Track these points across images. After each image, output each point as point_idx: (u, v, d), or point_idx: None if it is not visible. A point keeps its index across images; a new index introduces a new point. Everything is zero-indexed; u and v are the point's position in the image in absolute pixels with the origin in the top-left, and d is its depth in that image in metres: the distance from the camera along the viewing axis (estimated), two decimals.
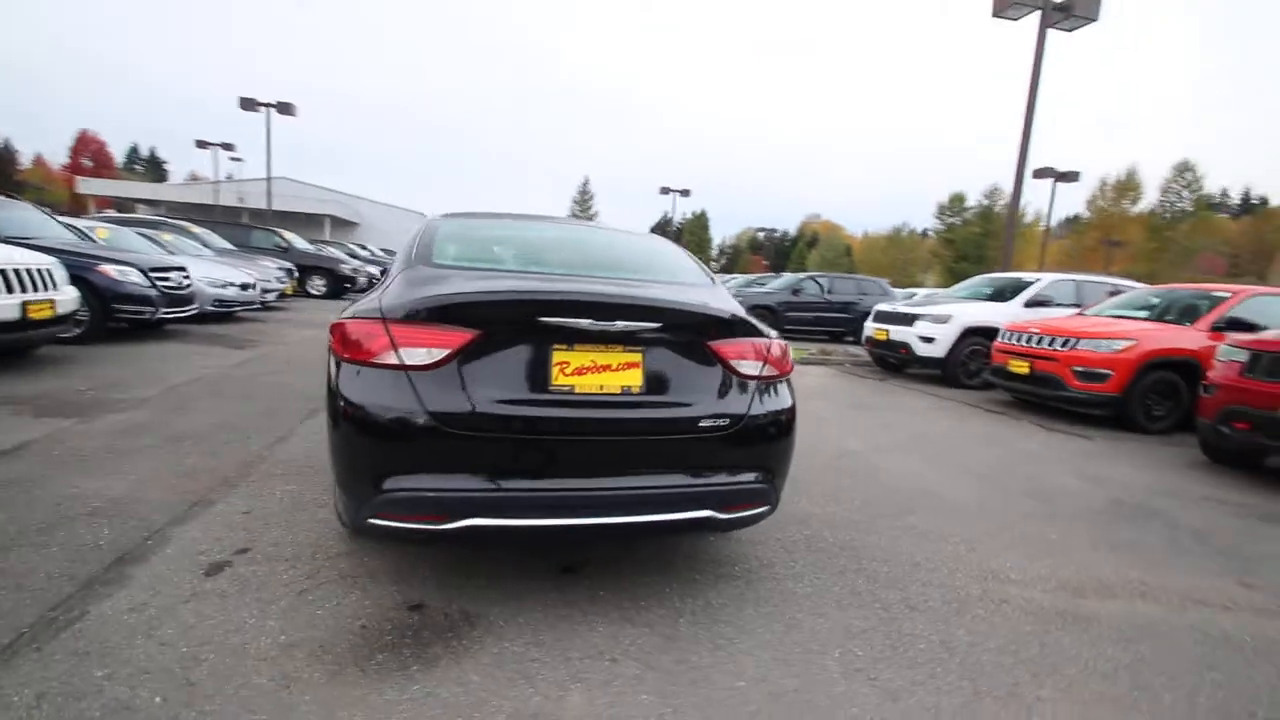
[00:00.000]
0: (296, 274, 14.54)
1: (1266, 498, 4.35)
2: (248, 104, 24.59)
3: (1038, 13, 11.41)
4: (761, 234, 61.98)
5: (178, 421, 4.26)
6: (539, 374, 2.03)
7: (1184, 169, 48.05)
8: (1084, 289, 9.32)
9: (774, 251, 60.64)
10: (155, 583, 2.23)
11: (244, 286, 9.64)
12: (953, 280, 47.87)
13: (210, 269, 9.27)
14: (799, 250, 63.77)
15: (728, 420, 2.18)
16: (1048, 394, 6.84)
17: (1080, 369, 6.48)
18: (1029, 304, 8.92)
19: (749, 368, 2.27)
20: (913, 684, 1.98)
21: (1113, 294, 8.84)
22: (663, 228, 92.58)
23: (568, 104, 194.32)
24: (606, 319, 2.05)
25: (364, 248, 25.40)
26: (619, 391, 2.08)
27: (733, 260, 77.44)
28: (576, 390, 2.04)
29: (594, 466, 2.07)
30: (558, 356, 2.04)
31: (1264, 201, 65.49)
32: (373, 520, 1.98)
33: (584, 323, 2.02)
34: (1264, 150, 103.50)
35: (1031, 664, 2.15)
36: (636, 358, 2.12)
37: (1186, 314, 6.93)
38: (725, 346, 2.24)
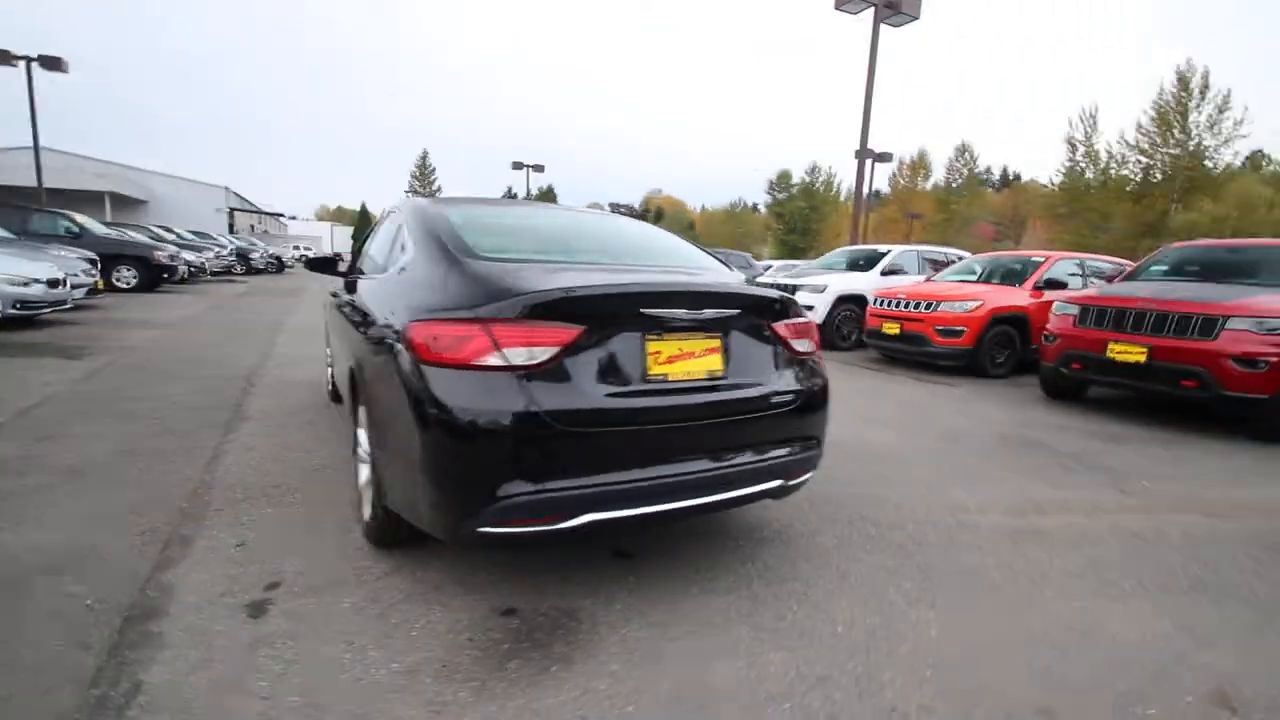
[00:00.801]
0: (99, 265, 12.21)
1: (1103, 423, 5.49)
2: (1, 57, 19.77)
3: (873, 8, 12.76)
4: (620, 208, 62.61)
5: (60, 453, 3.55)
6: (637, 365, 2.05)
7: (963, 150, 56.25)
8: (924, 258, 10.78)
9: None
10: (198, 636, 1.94)
11: (52, 283, 7.96)
12: (786, 251, 52.18)
13: (4, 263, 7.53)
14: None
15: (791, 395, 2.37)
16: (915, 351, 7.92)
17: (941, 327, 7.58)
18: (884, 273, 10.13)
19: (802, 345, 2.46)
20: (958, 603, 2.35)
21: (946, 263, 10.35)
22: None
23: (402, 74, 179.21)
24: (697, 308, 2.13)
25: (168, 230, 21.80)
26: (704, 376, 2.18)
27: None
28: (669, 378, 2.10)
29: (689, 450, 2.15)
30: (651, 347, 2.08)
31: (1018, 177, 78.93)
32: (484, 529, 1.90)
33: (680, 312, 2.08)
34: (1018, 133, 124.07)
35: (1028, 572, 2.63)
36: (716, 343, 2.22)
37: (1011, 276, 8.35)
38: (783, 327, 2.41)
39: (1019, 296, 7.77)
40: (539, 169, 33.93)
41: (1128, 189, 37.15)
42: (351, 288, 3.25)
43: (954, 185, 56.55)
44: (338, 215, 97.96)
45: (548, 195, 61.67)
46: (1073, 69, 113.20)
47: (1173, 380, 5.14)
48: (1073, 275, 8.18)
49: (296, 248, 44.31)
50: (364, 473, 2.74)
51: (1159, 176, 36.52)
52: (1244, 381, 4.82)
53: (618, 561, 2.54)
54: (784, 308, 2.43)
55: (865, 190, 18.99)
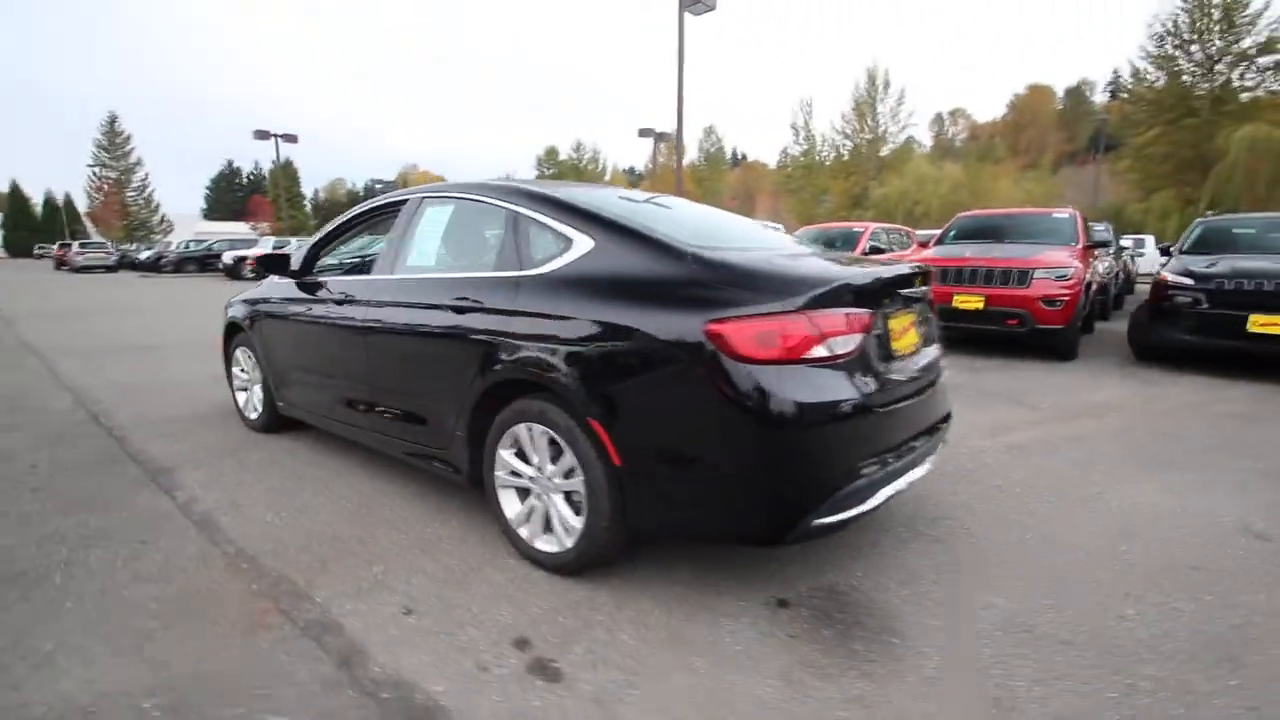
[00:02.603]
0: None
1: (978, 359, 6.78)
2: None
3: None
4: (378, 185, 56.10)
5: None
6: (888, 344, 2.16)
7: (710, 131, 62.10)
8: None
9: None
10: (507, 697, 1.61)
11: None
12: None
13: None
14: None
15: (941, 359, 2.67)
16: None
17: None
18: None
19: (934, 310, 2.76)
20: (1041, 511, 2.91)
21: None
22: (226, 178, 75.95)
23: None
24: (911, 285, 2.30)
25: None
26: (913, 350, 2.36)
27: (330, 214, 68.93)
28: (901, 353, 2.24)
29: (921, 420, 2.33)
30: (892, 325, 2.20)
31: (745, 157, 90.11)
32: (821, 522, 1.88)
33: (914, 290, 2.23)
34: (749, 117, 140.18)
35: (1051, 475, 3.32)
36: (914, 316, 2.41)
37: (843, 246, 9.73)
38: (934, 293, 2.68)
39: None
40: (291, 139, 29.25)
41: (837, 166, 45.12)
42: (333, 296, 2.82)
43: (700, 164, 62.42)
44: None
45: (287, 170, 53.61)
46: (798, 64, 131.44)
47: (1001, 320, 6.63)
48: (880, 244, 9.80)
49: None
50: (514, 499, 2.41)
51: (859, 157, 44.86)
52: (1048, 317, 6.43)
53: (795, 550, 2.61)
54: (929, 278, 2.70)
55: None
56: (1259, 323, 5.67)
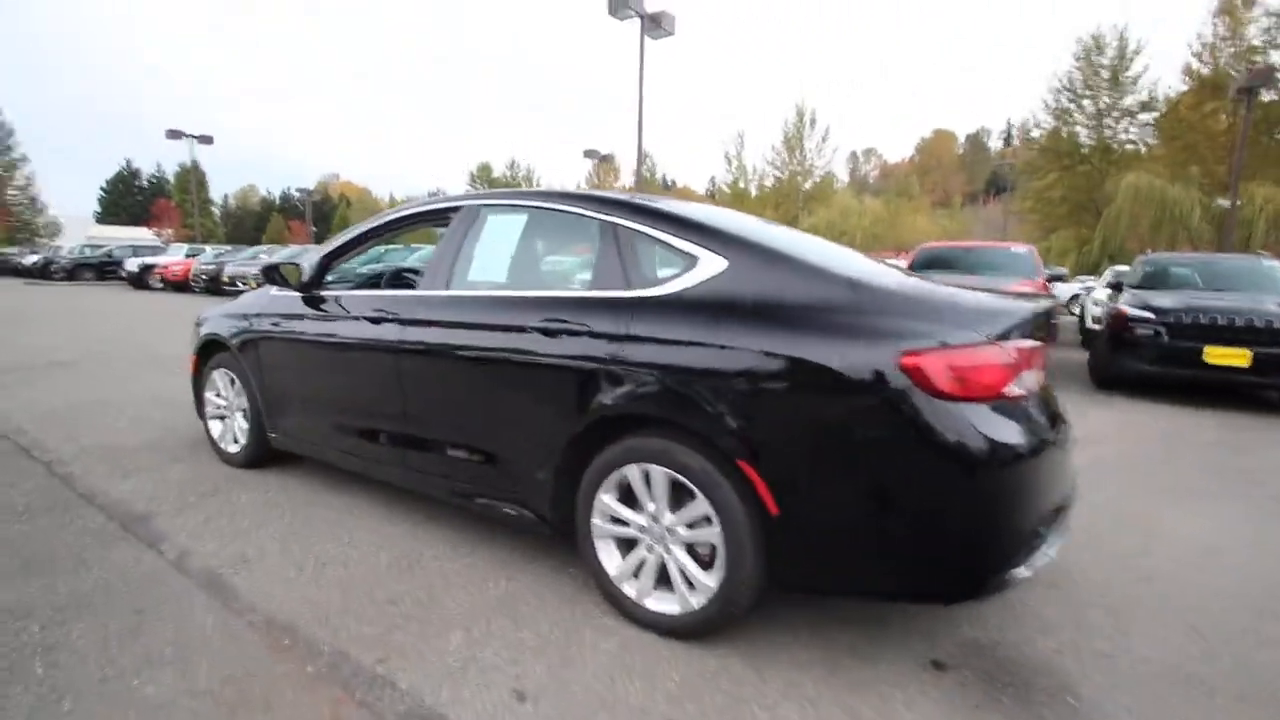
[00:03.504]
0: None
1: None
2: None
3: (639, 19, 13.54)
4: (298, 193, 52.51)
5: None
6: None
7: (645, 156, 62.96)
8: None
9: (315, 215, 52.77)
10: None
11: None
12: None
13: None
14: (341, 214, 57.49)
15: None
16: None
17: None
18: None
19: None
20: (1170, 510, 2.88)
21: None
22: (125, 180, 69.59)
23: None
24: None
25: None
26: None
27: (242, 223, 64.53)
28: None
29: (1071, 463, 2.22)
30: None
31: (675, 183, 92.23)
32: (1020, 573, 1.70)
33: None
34: (679, 146, 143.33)
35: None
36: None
37: None
38: None
39: None
40: (206, 140, 27.10)
41: (766, 195, 46.87)
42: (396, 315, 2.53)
43: (633, 188, 63.17)
44: None
45: (196, 175, 49.81)
46: (721, 96, 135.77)
47: None
48: None
49: None
50: (615, 551, 2.12)
51: (788, 187, 46.77)
52: None
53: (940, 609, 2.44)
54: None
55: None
56: (1214, 354, 6.09)
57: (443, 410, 2.51)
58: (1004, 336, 1.74)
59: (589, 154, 26.24)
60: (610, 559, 2.11)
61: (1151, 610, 2.28)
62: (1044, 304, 2.06)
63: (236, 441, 3.48)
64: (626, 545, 2.11)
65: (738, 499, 1.82)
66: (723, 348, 1.84)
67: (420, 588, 2.29)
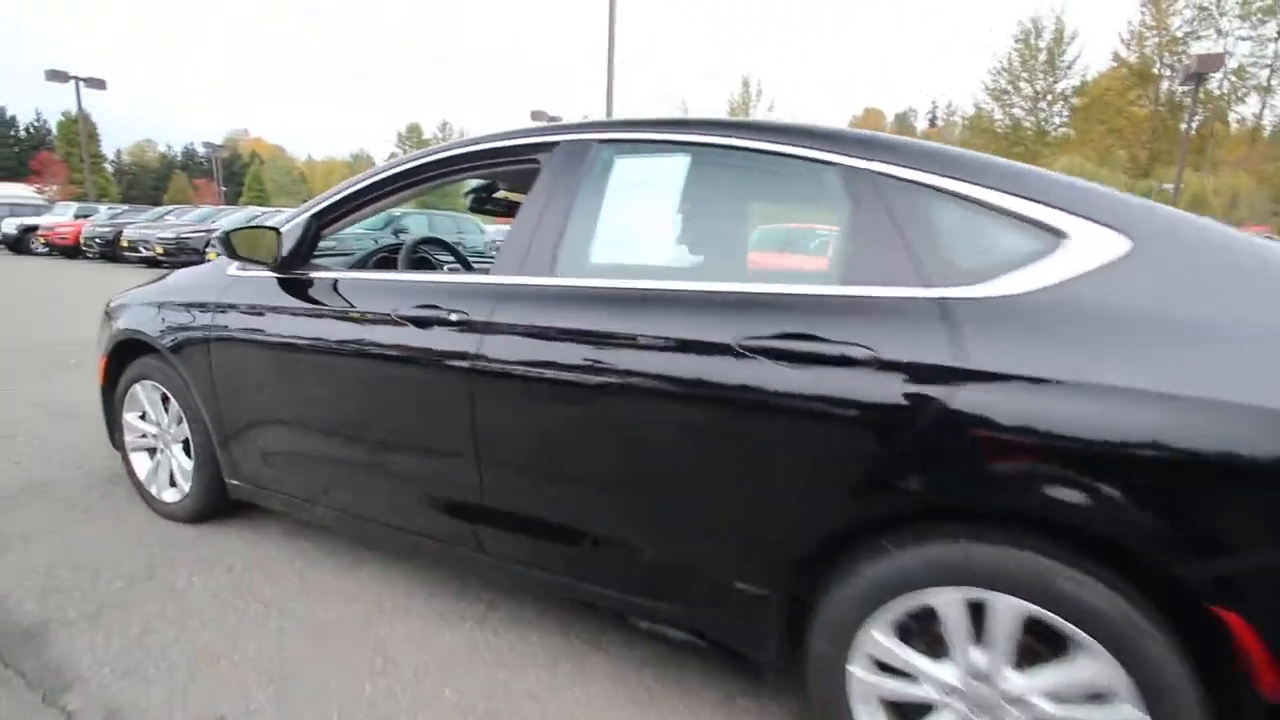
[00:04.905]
0: None
1: None
2: None
3: None
4: (204, 148, 46.27)
5: None
6: None
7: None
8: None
9: (225, 175, 46.86)
10: None
11: None
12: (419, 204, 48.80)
13: None
14: (254, 172, 52.00)
15: None
16: None
17: None
18: None
19: None
20: None
21: None
22: (1, 131, 61.04)
23: None
24: None
25: None
26: None
27: (139, 181, 58.03)
28: None
29: None
30: None
31: None
32: None
33: None
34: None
35: None
36: None
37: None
38: None
39: None
40: (98, 84, 23.42)
41: None
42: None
43: None
44: None
45: (84, 125, 44.09)
46: (671, 65, 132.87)
47: None
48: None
49: None
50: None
51: None
52: None
53: None
54: None
55: None
56: None
57: (560, 473, 1.58)
58: None
59: (536, 115, 24.53)
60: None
61: None
62: None
63: (174, 485, 2.41)
64: (904, 714, 1.29)
65: (1179, 664, 1.03)
66: (1171, 397, 1.02)
67: None
